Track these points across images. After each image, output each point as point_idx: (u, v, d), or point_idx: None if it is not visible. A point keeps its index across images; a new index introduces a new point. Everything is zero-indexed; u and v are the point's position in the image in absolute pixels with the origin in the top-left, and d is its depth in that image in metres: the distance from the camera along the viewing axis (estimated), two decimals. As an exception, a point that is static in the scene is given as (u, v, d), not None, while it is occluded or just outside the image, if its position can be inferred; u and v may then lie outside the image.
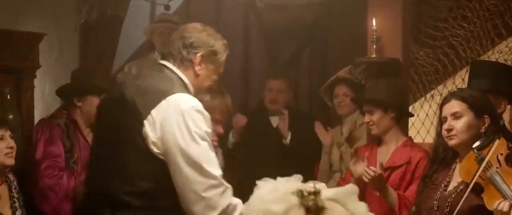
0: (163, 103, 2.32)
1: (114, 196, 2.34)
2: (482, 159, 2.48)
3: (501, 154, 2.49)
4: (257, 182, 1.39)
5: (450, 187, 2.64)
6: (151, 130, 2.30)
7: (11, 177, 3.05)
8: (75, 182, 3.22)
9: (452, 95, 2.68)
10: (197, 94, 2.48)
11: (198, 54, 2.46)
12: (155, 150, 2.31)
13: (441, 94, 4.04)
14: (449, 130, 2.61)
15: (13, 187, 3.02)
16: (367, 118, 3.27)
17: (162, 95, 2.33)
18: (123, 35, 4.65)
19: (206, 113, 2.37)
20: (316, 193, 1.30)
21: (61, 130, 3.32)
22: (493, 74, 2.97)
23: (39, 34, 3.84)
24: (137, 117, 2.32)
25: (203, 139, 2.32)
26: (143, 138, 2.31)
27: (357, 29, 3.89)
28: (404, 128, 3.51)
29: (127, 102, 2.36)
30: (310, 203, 1.27)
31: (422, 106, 4.17)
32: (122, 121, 2.36)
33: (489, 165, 2.47)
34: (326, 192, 1.32)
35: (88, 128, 3.44)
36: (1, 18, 3.98)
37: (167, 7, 4.61)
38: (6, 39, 3.73)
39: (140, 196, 2.32)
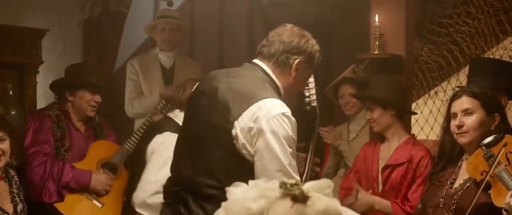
0: (255, 107, 2.34)
1: (197, 186, 2.39)
2: (491, 156, 2.47)
3: (510, 152, 2.47)
4: (227, 188, 1.36)
5: (456, 185, 2.62)
6: (241, 131, 2.34)
7: (11, 172, 3.05)
8: (58, 167, 3.28)
9: (463, 92, 2.65)
10: (288, 97, 2.51)
11: (297, 60, 2.48)
12: (244, 151, 2.35)
13: (445, 91, 4.02)
14: (459, 127, 2.59)
15: (13, 182, 3.03)
16: (368, 115, 3.27)
17: (254, 98, 2.36)
18: (126, 31, 4.65)
19: (294, 119, 2.40)
20: (297, 184, 1.29)
21: (52, 120, 3.38)
22: (493, 71, 2.96)
23: (42, 30, 3.85)
24: (228, 117, 2.36)
25: (290, 145, 2.37)
26: (231, 138, 2.35)
27: (360, 26, 3.87)
28: (406, 125, 3.48)
29: (218, 100, 2.40)
30: (297, 192, 1.26)
31: (425, 103, 4.15)
32: (212, 117, 2.41)
33: (498, 162, 2.46)
34: (306, 185, 1.32)
35: (80, 121, 3.50)
36: (4, 14, 3.98)
37: (170, 3, 4.60)
38: (8, 35, 3.74)
39: (223, 190, 2.33)
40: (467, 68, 3.87)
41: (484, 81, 2.90)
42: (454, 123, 2.62)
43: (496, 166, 2.44)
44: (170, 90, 4.20)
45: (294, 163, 2.40)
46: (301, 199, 1.26)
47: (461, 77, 3.95)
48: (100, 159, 3.48)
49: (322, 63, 4.76)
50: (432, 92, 4.17)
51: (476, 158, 2.53)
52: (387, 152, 3.23)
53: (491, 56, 3.89)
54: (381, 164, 3.22)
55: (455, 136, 2.63)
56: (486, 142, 2.50)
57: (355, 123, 3.91)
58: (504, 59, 3.85)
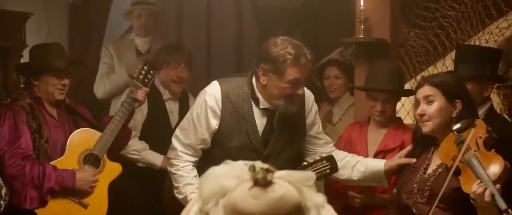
0: None
1: None
2: (462, 142, 2.47)
3: (480, 137, 2.48)
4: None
5: (429, 170, 2.63)
6: None
7: None
8: (39, 170, 3.08)
9: (425, 80, 2.70)
10: (272, 100, 2.83)
11: (260, 68, 2.79)
12: None
13: (431, 76, 4.02)
14: (421, 115, 2.63)
15: None
16: (380, 107, 3.14)
17: None
18: (113, 15, 4.61)
19: (207, 99, 2.87)
20: (269, 170, 1.29)
21: (26, 111, 3.17)
22: (478, 59, 2.95)
23: (26, 14, 3.82)
24: None
25: (191, 113, 2.95)
26: None
27: (347, 10, 3.86)
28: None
29: None
30: (259, 176, 1.26)
31: (412, 88, 4.15)
32: None
33: (467, 148, 2.46)
34: (280, 172, 1.31)
35: (52, 106, 3.30)
36: (-13, -2, 3.94)
37: (150, -12, 4.56)
38: (-9, 19, 3.71)
39: None
40: (453, 53, 3.88)
41: (470, 70, 2.91)
42: (417, 111, 2.67)
43: (465, 152, 2.45)
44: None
45: (185, 125, 2.94)
46: (261, 183, 1.26)
47: (447, 62, 3.95)
48: (82, 152, 3.25)
49: (309, 46, 4.82)
50: (418, 77, 4.16)
51: (447, 143, 2.55)
52: (376, 136, 3.21)
53: (477, 41, 3.90)
54: (371, 149, 3.19)
55: (419, 123, 2.68)
56: (456, 127, 2.52)
57: (338, 106, 3.93)
58: (490, 44, 3.86)
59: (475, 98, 2.84)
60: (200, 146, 2.92)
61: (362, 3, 3.39)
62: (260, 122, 2.88)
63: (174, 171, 2.94)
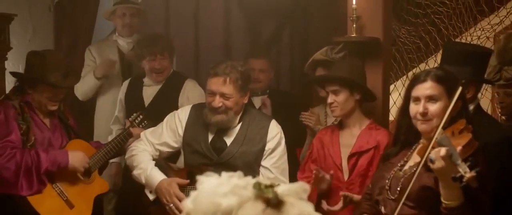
0: None
1: None
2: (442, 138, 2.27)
3: (458, 129, 2.31)
4: (199, 177, 1.27)
5: (406, 167, 2.49)
6: None
7: None
8: (31, 156, 3.08)
9: (427, 75, 2.45)
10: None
11: None
12: None
13: (423, 73, 3.98)
14: (424, 114, 2.43)
15: None
16: (331, 99, 3.10)
17: None
18: (100, 15, 4.52)
19: (179, 112, 3.35)
20: (273, 186, 1.20)
21: (16, 111, 3.15)
22: (459, 61, 2.82)
23: (9, 15, 3.73)
24: None
25: (165, 120, 3.37)
26: None
27: (338, 8, 3.81)
28: (385, 108, 3.44)
29: None
30: (271, 195, 1.17)
31: (404, 85, 4.12)
32: None
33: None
34: (281, 187, 1.23)
35: (42, 113, 3.27)
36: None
37: (134, -12, 4.48)
38: (-26, 21, 3.61)
39: None
40: (445, 49, 3.85)
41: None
42: (417, 109, 2.44)
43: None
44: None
45: (158, 129, 3.32)
46: (274, 203, 1.18)
47: (439, 59, 3.92)
48: None
49: (300, 45, 4.78)
50: (410, 74, 4.14)
51: (429, 140, 2.36)
52: (349, 139, 3.12)
53: (469, 37, 3.87)
54: (344, 152, 3.12)
55: (414, 121, 2.47)
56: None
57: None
58: (481, 40, 3.84)
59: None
60: (159, 147, 3.31)
61: (354, 2, 3.33)
62: (210, 132, 3.24)
63: (133, 154, 3.28)
